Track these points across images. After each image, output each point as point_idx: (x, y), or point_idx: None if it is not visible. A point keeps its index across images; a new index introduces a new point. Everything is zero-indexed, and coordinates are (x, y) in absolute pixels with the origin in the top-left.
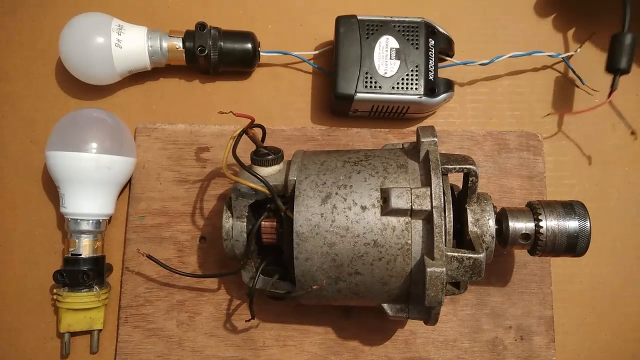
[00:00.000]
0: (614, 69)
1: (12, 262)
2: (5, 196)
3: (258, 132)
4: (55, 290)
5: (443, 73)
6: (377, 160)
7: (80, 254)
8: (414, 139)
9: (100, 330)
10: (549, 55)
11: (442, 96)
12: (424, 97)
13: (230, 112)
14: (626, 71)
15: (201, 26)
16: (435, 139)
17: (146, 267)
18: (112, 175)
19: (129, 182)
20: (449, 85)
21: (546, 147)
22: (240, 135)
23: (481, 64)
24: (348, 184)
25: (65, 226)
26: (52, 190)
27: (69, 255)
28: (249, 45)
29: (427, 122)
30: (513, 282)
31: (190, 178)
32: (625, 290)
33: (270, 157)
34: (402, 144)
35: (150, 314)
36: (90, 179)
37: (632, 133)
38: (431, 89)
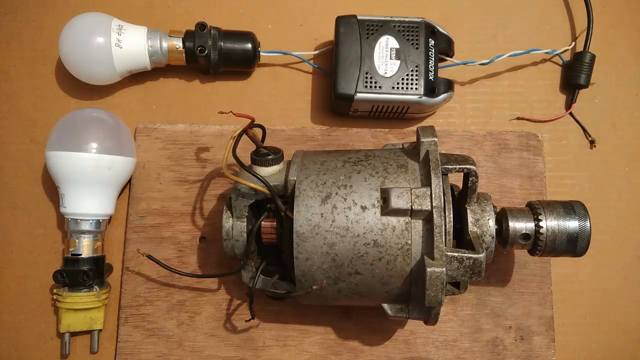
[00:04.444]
0: (575, 84)
1: (12, 262)
2: (5, 196)
3: (258, 132)
4: (55, 290)
5: (443, 73)
6: (377, 160)
7: (80, 254)
8: (414, 138)
9: (100, 330)
10: (546, 52)
11: (442, 96)
12: (424, 97)
13: (230, 112)
14: (585, 86)
15: (201, 26)
16: (435, 139)
17: (146, 267)
18: (112, 175)
19: (129, 182)
20: (449, 85)
21: (546, 147)
22: (240, 135)
23: (481, 64)
24: (348, 184)
25: (65, 226)
26: (52, 190)
27: (69, 255)
28: (249, 45)
29: (427, 122)
30: (513, 282)
31: (190, 178)
32: (625, 290)
33: (270, 157)
34: (402, 144)
35: (150, 314)
36: (90, 179)
37: None
38: (431, 89)
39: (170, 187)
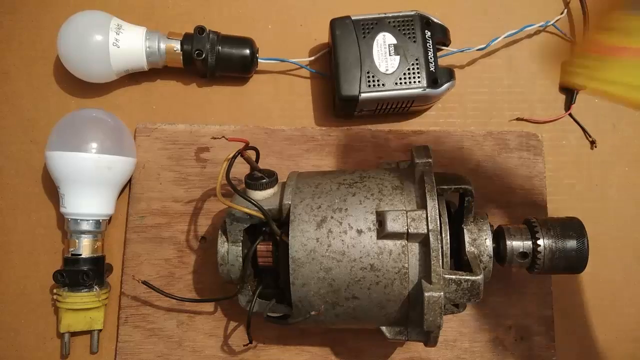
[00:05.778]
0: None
1: (12, 262)
2: (5, 196)
3: (252, 154)
4: (55, 290)
5: (442, 62)
6: (372, 182)
7: (81, 254)
8: (413, 139)
9: (100, 330)
10: (539, 26)
11: (446, 85)
12: (427, 89)
13: (223, 137)
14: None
15: (200, 30)
16: (430, 160)
17: (146, 267)
18: (112, 175)
19: (129, 182)
20: (450, 74)
21: (546, 147)
22: (234, 157)
23: (478, 49)
24: (343, 207)
25: (65, 226)
26: (52, 190)
27: (69, 255)
28: (247, 52)
29: (428, 116)
30: (513, 282)
31: (190, 178)
32: (625, 290)
33: (265, 180)
34: (398, 163)
35: (150, 314)
36: (90, 179)
37: None
38: (434, 80)
39: (170, 187)
